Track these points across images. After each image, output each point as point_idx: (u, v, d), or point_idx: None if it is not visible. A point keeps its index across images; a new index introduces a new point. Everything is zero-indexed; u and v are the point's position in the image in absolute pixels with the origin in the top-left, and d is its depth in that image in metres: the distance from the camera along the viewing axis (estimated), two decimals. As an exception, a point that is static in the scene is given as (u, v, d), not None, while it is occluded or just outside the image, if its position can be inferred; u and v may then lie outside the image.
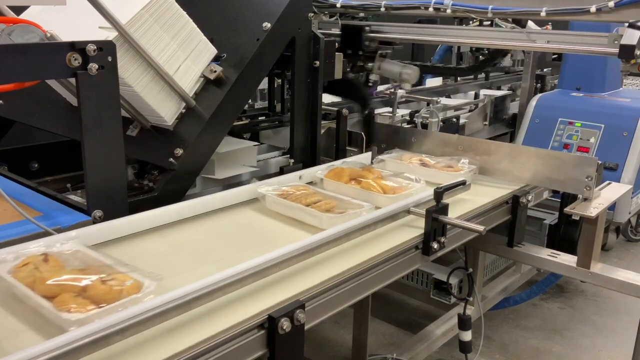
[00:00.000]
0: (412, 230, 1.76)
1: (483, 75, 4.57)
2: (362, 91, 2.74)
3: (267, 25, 2.08)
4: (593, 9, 2.16)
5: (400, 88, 3.00)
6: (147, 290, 1.22)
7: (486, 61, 3.93)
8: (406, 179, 2.06)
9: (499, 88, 4.50)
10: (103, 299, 1.18)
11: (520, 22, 2.96)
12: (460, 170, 2.23)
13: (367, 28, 2.76)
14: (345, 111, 2.59)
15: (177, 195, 1.90)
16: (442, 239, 1.77)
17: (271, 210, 1.89)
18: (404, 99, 3.25)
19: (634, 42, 1.90)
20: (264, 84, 3.11)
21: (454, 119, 3.36)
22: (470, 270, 2.58)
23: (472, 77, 4.57)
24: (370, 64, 2.87)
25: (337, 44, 2.47)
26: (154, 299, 1.14)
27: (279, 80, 3.04)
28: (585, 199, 2.12)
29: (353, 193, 1.95)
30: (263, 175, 2.39)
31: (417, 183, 2.03)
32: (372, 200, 1.87)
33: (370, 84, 2.94)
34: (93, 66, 1.52)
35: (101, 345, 1.04)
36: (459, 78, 4.38)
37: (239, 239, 1.73)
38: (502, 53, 3.89)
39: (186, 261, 1.55)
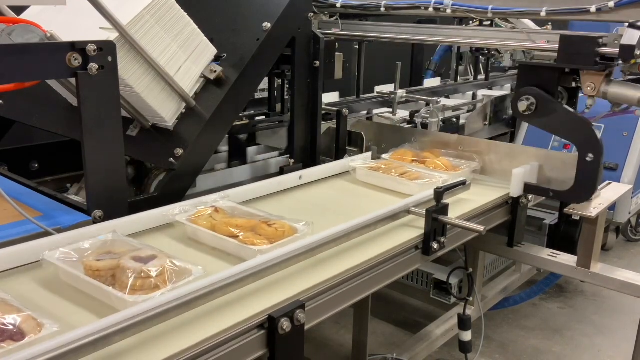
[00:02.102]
0: (412, 230, 1.76)
1: (483, 75, 4.58)
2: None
3: (267, 25, 2.08)
4: (593, 9, 2.16)
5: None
6: (303, 232, 1.57)
7: None
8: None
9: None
10: (273, 237, 1.53)
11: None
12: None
13: (599, 40, 1.98)
14: (345, 111, 2.59)
15: (177, 195, 1.90)
16: (442, 239, 1.77)
17: (360, 181, 2.24)
18: (404, 99, 3.26)
19: (634, 42, 1.90)
20: (264, 84, 3.11)
21: (454, 119, 3.37)
22: (470, 270, 2.58)
23: (471, 77, 4.59)
24: (590, 86, 2.05)
25: (337, 44, 2.47)
26: (154, 299, 1.14)
27: (279, 80, 3.04)
28: (585, 199, 2.12)
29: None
30: (263, 176, 2.39)
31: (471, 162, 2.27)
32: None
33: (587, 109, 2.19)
34: (93, 66, 1.52)
35: (101, 345, 1.04)
36: (458, 78, 4.38)
37: (343, 201, 2.08)
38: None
39: (311, 216, 1.73)
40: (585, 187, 2.06)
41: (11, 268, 1.41)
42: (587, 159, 2.02)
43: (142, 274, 1.26)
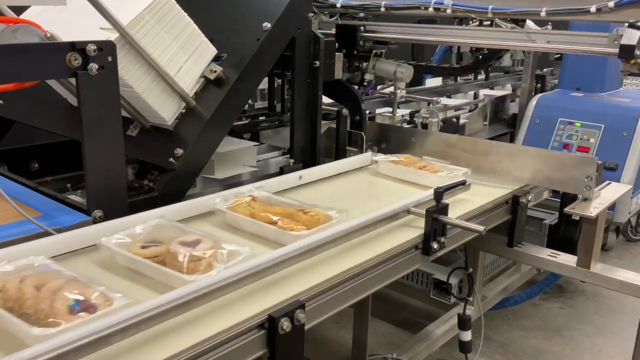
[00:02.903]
0: (412, 230, 1.76)
1: (483, 75, 4.57)
2: (354, 93, 2.65)
3: (267, 25, 2.08)
4: (593, 9, 2.16)
5: (396, 87, 2.97)
6: (337, 219, 1.65)
7: (482, 61, 3.91)
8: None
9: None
10: (309, 224, 1.63)
11: (517, 22, 2.94)
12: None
13: (362, 27, 2.74)
14: (345, 111, 2.59)
15: (177, 195, 1.90)
16: (442, 239, 1.77)
17: (381, 174, 2.36)
18: (404, 99, 3.25)
19: (634, 42, 1.90)
20: (264, 84, 3.11)
21: (454, 119, 3.36)
22: (470, 270, 2.58)
23: (471, 76, 4.58)
24: (365, 64, 2.84)
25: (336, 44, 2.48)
26: (153, 300, 1.14)
27: (279, 80, 3.04)
28: (585, 199, 2.12)
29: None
30: (263, 175, 2.39)
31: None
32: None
33: (365, 84, 2.92)
34: (93, 66, 1.52)
35: (101, 345, 1.04)
36: (458, 78, 4.38)
37: (370, 191, 2.26)
38: (497, 54, 3.86)
39: (343, 204, 1.81)
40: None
41: (69, 251, 1.51)
42: (356, 118, 2.58)
43: (193, 257, 1.35)
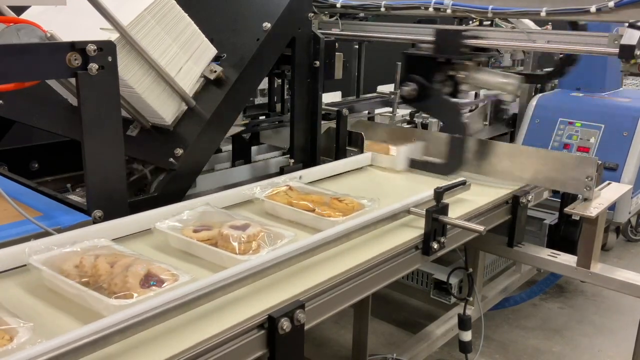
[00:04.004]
0: (412, 230, 1.76)
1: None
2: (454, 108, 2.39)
3: (267, 25, 2.08)
4: (593, 9, 2.16)
5: (501, 100, 2.73)
6: (369, 207, 1.76)
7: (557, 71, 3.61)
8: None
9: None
10: (344, 211, 1.74)
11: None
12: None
13: (464, 33, 2.39)
14: (345, 111, 2.59)
15: (177, 195, 1.90)
16: (442, 239, 1.77)
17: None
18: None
19: (634, 42, 1.90)
20: (264, 84, 3.11)
21: (454, 119, 3.35)
22: (470, 270, 2.58)
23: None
24: (462, 74, 2.45)
25: (337, 44, 2.47)
26: (153, 300, 1.14)
27: (279, 80, 3.04)
28: (585, 199, 2.12)
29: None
30: (263, 175, 2.39)
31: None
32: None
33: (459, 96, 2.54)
34: (93, 66, 1.52)
35: (101, 345, 1.04)
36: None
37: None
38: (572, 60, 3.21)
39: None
40: (453, 162, 2.35)
41: (124, 235, 1.62)
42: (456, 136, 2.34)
43: (244, 239, 1.47)
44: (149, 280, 1.26)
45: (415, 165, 2.41)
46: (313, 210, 1.76)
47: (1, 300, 1.19)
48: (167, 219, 1.60)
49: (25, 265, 1.34)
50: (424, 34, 2.68)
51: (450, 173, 2.30)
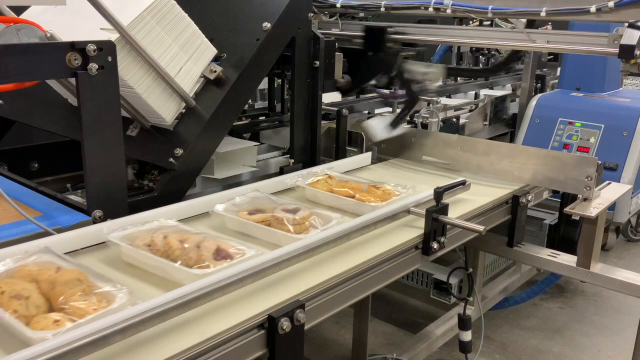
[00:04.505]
0: (412, 230, 1.76)
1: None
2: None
3: (267, 25, 2.08)
4: (593, 9, 2.16)
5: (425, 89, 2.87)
6: (405, 193, 1.91)
7: (502, 63, 3.80)
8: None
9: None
10: (382, 197, 1.88)
11: (533, 22, 2.90)
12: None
13: (390, 29, 2.63)
14: (345, 111, 2.59)
15: (177, 195, 1.90)
16: (442, 239, 1.77)
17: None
18: (404, 99, 3.25)
19: (634, 42, 1.90)
20: (264, 84, 3.11)
21: (454, 119, 3.36)
22: (470, 270, 2.58)
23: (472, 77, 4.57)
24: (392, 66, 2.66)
25: (337, 44, 2.48)
26: (153, 300, 1.14)
27: (279, 80, 3.04)
28: (585, 199, 2.12)
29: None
30: (263, 175, 2.39)
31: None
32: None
33: (392, 88, 2.77)
34: (93, 66, 1.52)
35: (101, 345, 1.04)
36: (458, 78, 4.38)
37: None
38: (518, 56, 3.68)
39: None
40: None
41: (186, 217, 1.77)
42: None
43: (296, 221, 1.61)
44: (220, 254, 1.40)
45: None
46: (353, 197, 1.88)
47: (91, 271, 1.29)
48: (222, 203, 1.74)
49: (103, 242, 1.52)
50: (424, 34, 2.69)
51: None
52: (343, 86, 2.67)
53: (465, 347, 2.61)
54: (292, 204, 1.75)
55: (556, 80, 4.11)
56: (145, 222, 1.54)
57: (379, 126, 2.58)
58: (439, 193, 1.75)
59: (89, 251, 1.54)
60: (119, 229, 1.50)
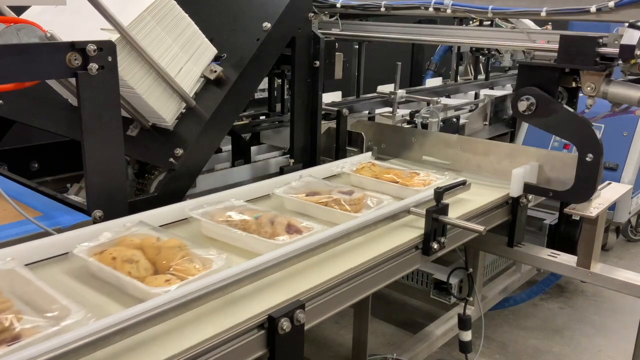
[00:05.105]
0: (412, 230, 1.76)
1: (483, 75, 4.57)
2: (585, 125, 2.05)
3: (267, 25, 2.08)
4: (593, 9, 2.16)
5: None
6: (444, 179, 2.07)
7: None
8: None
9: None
10: (424, 183, 2.05)
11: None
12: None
13: (599, 40, 1.96)
14: (345, 111, 2.59)
15: (177, 195, 1.90)
16: (442, 239, 1.77)
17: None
18: (404, 99, 3.26)
19: (634, 42, 1.90)
20: (264, 84, 3.11)
21: (454, 119, 3.36)
22: (470, 270, 2.58)
23: (471, 76, 4.57)
24: (589, 86, 2.02)
25: (337, 44, 2.48)
26: (153, 300, 1.14)
27: (279, 80, 3.04)
28: (585, 199, 2.12)
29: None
30: (263, 175, 2.39)
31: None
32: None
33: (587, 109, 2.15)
34: (93, 66, 1.52)
35: (101, 345, 1.04)
36: (458, 78, 4.38)
37: None
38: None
39: None
40: (585, 187, 2.06)
41: (253, 198, 1.95)
42: (587, 159, 2.02)
43: (352, 201, 1.79)
44: (292, 229, 1.58)
45: (531, 190, 2.18)
46: (397, 182, 2.05)
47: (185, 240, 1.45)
48: (279, 187, 1.92)
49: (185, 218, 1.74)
50: (424, 34, 2.69)
51: (582, 201, 2.07)
52: (526, 110, 2.09)
53: (465, 347, 2.61)
54: (345, 187, 1.92)
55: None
56: (218, 202, 1.74)
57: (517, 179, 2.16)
58: (439, 193, 1.75)
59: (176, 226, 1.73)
60: (199, 207, 1.70)
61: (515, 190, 2.16)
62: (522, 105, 2.10)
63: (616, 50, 1.95)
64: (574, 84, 2.06)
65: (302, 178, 2.01)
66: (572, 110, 2.09)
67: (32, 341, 1.02)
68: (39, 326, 1.07)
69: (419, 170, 2.14)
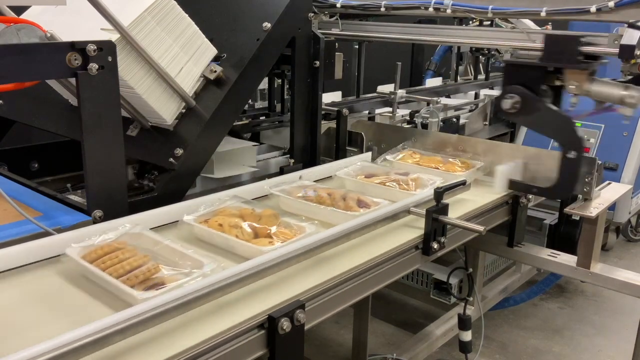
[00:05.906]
0: (412, 230, 1.76)
1: (483, 75, 4.57)
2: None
3: (267, 25, 2.08)
4: (593, 9, 2.16)
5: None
6: (480, 167, 2.25)
7: None
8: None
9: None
10: (465, 168, 2.24)
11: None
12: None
13: (582, 39, 2.00)
14: (345, 111, 2.59)
15: (177, 195, 1.90)
16: (442, 239, 1.77)
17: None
18: (404, 99, 3.26)
19: (634, 42, 1.90)
20: (264, 84, 3.11)
21: (454, 119, 3.36)
22: (470, 270, 2.58)
23: (471, 76, 4.57)
24: (573, 84, 2.06)
25: (337, 44, 2.48)
26: (153, 300, 1.14)
27: (279, 80, 3.04)
28: (585, 199, 2.12)
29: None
30: (263, 175, 2.39)
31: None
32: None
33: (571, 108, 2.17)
34: (93, 66, 1.52)
35: (101, 345, 1.04)
36: (458, 78, 4.38)
37: None
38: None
39: None
40: (567, 183, 2.08)
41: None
42: (569, 155, 2.04)
43: (411, 181, 2.01)
44: (362, 204, 1.79)
45: (516, 187, 2.18)
46: (438, 168, 2.22)
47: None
48: (337, 171, 2.15)
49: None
50: (424, 34, 2.69)
51: (564, 197, 2.12)
52: (510, 108, 2.14)
53: (465, 347, 2.61)
54: (399, 170, 2.15)
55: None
56: (292, 182, 1.98)
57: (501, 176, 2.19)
58: (439, 193, 1.75)
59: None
60: (277, 186, 1.93)
61: (500, 187, 2.18)
62: (507, 104, 2.13)
63: (598, 49, 2.00)
64: (558, 83, 2.09)
65: (358, 163, 2.22)
66: (555, 108, 2.10)
67: (175, 285, 1.25)
68: (180, 273, 1.30)
69: (454, 161, 2.29)
